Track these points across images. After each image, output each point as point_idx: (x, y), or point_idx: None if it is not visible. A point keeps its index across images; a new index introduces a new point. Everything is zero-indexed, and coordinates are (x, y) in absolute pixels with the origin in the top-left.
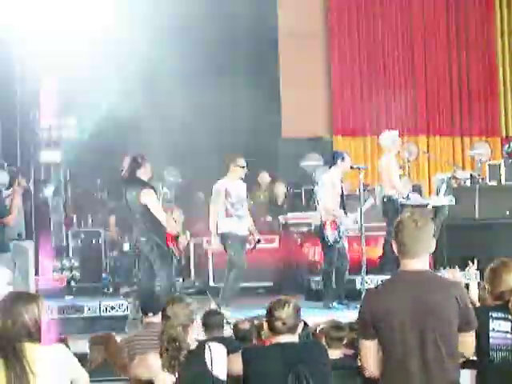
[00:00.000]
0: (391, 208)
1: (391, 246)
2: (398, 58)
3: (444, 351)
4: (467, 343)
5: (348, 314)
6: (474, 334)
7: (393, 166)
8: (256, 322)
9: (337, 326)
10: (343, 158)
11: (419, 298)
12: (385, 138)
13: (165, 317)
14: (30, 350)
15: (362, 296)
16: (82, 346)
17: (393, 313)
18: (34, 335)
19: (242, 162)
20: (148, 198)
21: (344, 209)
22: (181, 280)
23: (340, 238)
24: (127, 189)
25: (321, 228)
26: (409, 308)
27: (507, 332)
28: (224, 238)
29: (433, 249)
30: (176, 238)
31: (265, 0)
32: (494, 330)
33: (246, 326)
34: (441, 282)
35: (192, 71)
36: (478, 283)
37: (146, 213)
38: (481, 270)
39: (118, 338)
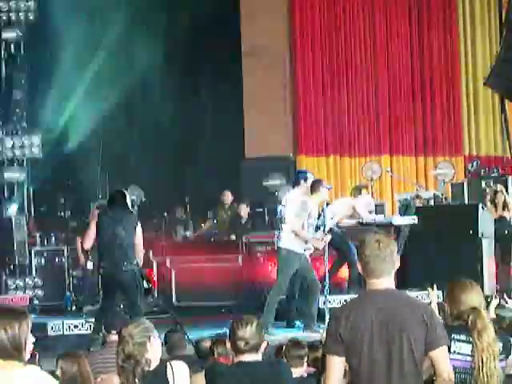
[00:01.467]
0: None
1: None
2: (361, 76)
3: (410, 369)
4: (440, 359)
5: (310, 334)
6: (446, 349)
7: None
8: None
9: (297, 343)
10: (306, 179)
11: (387, 316)
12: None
13: (119, 337)
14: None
15: (330, 316)
16: (47, 365)
17: (361, 329)
18: (13, 354)
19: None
20: (139, 228)
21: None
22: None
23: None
24: (124, 215)
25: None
26: (377, 325)
27: (467, 355)
28: (288, 254)
29: (396, 268)
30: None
31: (228, 17)
32: (454, 352)
33: (208, 344)
34: (408, 300)
35: (153, 86)
36: (440, 303)
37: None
38: (442, 290)
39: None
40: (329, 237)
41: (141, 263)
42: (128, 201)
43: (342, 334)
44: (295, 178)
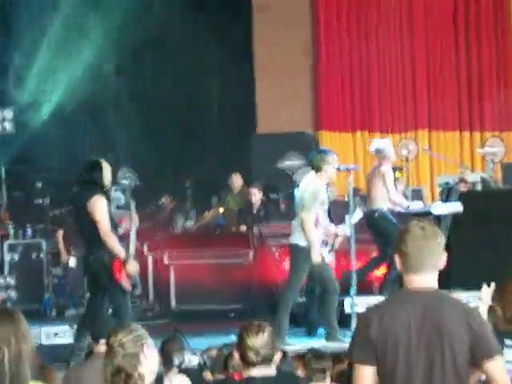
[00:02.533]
0: (385, 224)
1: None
2: (394, 37)
3: (452, 381)
4: (495, 371)
5: (333, 344)
6: (501, 359)
7: (391, 178)
8: (225, 350)
9: (318, 354)
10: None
11: (427, 319)
12: (379, 145)
13: (107, 346)
14: None
15: (360, 315)
16: None
17: (396, 335)
18: None
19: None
20: (96, 205)
21: (331, 219)
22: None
23: (329, 252)
24: (77, 193)
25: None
26: (415, 329)
27: None
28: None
29: (443, 264)
30: (123, 263)
31: None
32: (509, 361)
33: (213, 354)
34: (452, 302)
35: (154, 64)
36: (491, 306)
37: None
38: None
39: (61, 373)
40: (342, 229)
41: (113, 250)
42: (96, 174)
43: (374, 339)
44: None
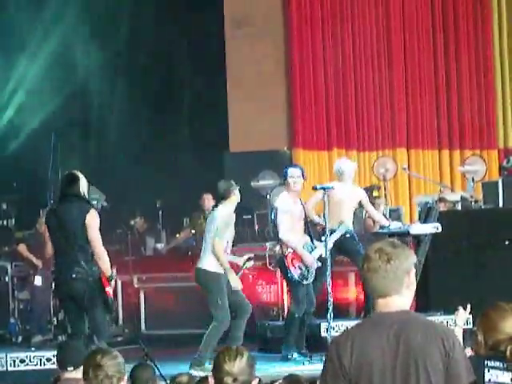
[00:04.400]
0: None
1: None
2: (372, 51)
3: None
4: None
5: (310, 368)
6: None
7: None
8: (197, 375)
9: (296, 381)
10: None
11: (399, 344)
12: (345, 165)
13: (93, 367)
14: None
15: (329, 343)
16: None
17: (370, 362)
18: None
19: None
20: (94, 221)
21: (310, 237)
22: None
23: (308, 273)
24: (64, 207)
25: (282, 263)
26: (389, 355)
27: None
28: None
29: (409, 285)
30: (109, 279)
31: None
32: (490, 381)
33: (184, 379)
34: (425, 324)
35: (124, 77)
36: (470, 330)
37: (87, 239)
38: (473, 314)
39: None
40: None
41: (104, 266)
42: (79, 187)
43: (347, 366)
44: (282, 176)
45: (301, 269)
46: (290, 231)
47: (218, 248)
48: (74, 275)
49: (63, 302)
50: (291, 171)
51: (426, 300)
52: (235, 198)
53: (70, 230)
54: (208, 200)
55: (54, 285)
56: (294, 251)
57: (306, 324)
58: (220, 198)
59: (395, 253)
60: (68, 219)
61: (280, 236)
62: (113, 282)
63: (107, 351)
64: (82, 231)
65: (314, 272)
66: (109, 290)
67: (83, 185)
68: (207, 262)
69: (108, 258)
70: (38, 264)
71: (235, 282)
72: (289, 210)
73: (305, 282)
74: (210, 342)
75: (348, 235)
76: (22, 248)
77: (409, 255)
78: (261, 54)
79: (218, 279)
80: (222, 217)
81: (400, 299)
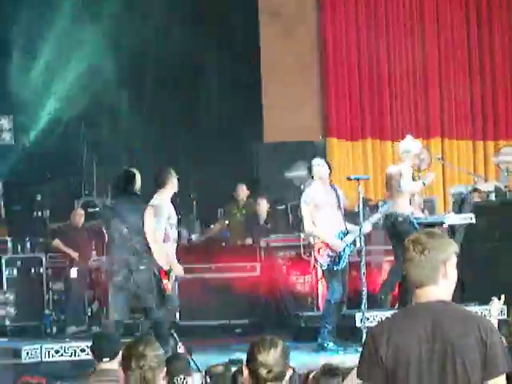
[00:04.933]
0: (405, 229)
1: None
2: (406, 40)
3: None
4: None
5: (344, 358)
6: (503, 378)
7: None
8: (232, 366)
9: (331, 371)
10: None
11: (436, 334)
12: (407, 145)
13: (136, 357)
14: None
15: (366, 333)
16: None
17: (407, 352)
18: None
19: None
20: (150, 218)
21: (346, 228)
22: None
23: (339, 259)
24: (123, 202)
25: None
26: (425, 346)
27: None
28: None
29: (448, 275)
30: (167, 273)
31: None
32: None
33: (220, 370)
34: (463, 314)
35: (157, 65)
36: (504, 320)
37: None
38: (507, 305)
39: None
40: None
41: (159, 261)
42: (136, 184)
43: (383, 356)
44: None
45: (329, 256)
46: (320, 220)
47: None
48: (141, 267)
49: (120, 291)
50: (314, 160)
51: (460, 291)
52: (171, 187)
53: (133, 225)
54: (242, 191)
55: (110, 275)
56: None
57: (338, 313)
58: (156, 186)
59: (431, 243)
60: (129, 215)
61: (305, 229)
62: (172, 277)
63: (149, 341)
64: (142, 227)
65: (347, 257)
66: (166, 283)
67: (138, 182)
68: None
69: (164, 254)
70: (74, 257)
71: (179, 270)
72: (312, 201)
73: (335, 268)
74: None
75: (400, 218)
76: (57, 243)
77: (447, 245)
78: (295, 43)
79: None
80: (157, 206)
81: (437, 289)
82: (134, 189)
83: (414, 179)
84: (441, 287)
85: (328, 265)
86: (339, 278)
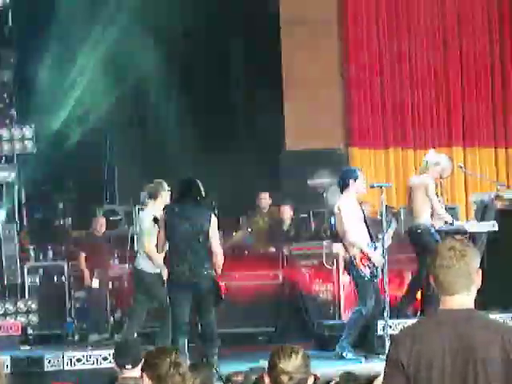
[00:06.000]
0: (427, 240)
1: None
2: (428, 47)
3: None
4: None
5: (366, 366)
6: None
7: (432, 188)
8: (253, 375)
9: (353, 379)
10: (356, 178)
11: (461, 342)
12: (437, 158)
13: (172, 364)
14: None
15: (390, 339)
16: None
17: (430, 359)
18: None
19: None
20: (215, 224)
21: (371, 238)
22: None
23: (376, 271)
24: (193, 210)
25: (352, 264)
26: (449, 355)
27: None
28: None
29: (477, 284)
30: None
31: None
32: None
33: (240, 378)
34: (489, 324)
35: (174, 77)
36: None
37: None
38: None
39: None
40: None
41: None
42: (198, 191)
43: (405, 363)
44: (341, 179)
45: (369, 267)
46: (356, 232)
47: (150, 248)
48: (205, 272)
49: (179, 293)
50: (360, 174)
51: (482, 298)
52: (162, 199)
53: (200, 231)
54: (265, 199)
55: (173, 279)
56: (360, 251)
57: (370, 325)
58: (148, 197)
59: (467, 250)
60: (197, 221)
61: (350, 239)
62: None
63: (179, 349)
64: (207, 232)
65: (381, 270)
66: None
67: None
68: (143, 263)
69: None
70: (86, 281)
71: None
72: (353, 212)
73: (375, 280)
74: None
75: (419, 230)
76: (82, 259)
77: (477, 254)
78: (317, 53)
79: (157, 279)
80: (150, 217)
81: (468, 297)
82: (199, 196)
83: (436, 195)
84: (471, 295)
85: (370, 276)
86: (373, 290)
